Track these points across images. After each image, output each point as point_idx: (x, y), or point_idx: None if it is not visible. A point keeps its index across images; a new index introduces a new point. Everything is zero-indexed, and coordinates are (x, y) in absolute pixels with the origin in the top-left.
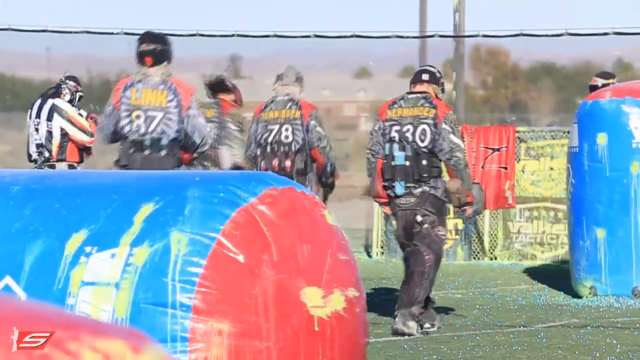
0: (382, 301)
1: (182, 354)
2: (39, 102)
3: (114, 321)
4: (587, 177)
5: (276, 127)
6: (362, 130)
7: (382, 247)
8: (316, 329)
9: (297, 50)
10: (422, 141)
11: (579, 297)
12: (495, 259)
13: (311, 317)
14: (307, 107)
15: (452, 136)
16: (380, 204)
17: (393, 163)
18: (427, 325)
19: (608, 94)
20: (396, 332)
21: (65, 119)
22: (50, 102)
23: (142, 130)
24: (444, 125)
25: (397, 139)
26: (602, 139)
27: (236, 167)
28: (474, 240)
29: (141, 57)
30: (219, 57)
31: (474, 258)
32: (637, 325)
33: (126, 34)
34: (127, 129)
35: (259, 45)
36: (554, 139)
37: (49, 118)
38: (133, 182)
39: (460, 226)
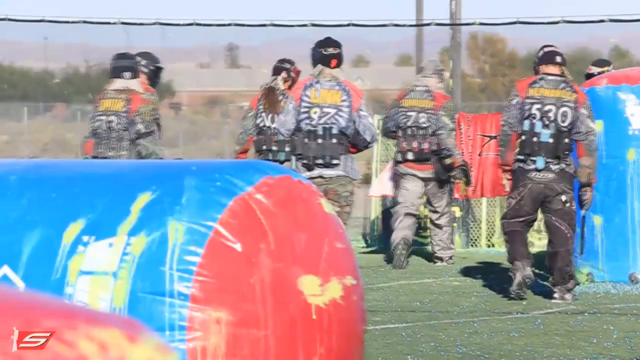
0: (379, 289)
1: (180, 342)
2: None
3: (112, 310)
4: None
5: (414, 114)
6: None
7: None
8: (314, 317)
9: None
10: (563, 122)
11: (577, 283)
12: (493, 246)
13: (309, 305)
14: (439, 99)
15: (588, 120)
16: (505, 171)
17: (535, 139)
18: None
19: (604, 81)
20: (555, 304)
21: None
22: None
23: (314, 122)
24: (582, 110)
25: (538, 116)
26: (598, 126)
27: None
28: (471, 228)
29: (326, 59)
30: (216, 46)
31: (472, 245)
32: (634, 311)
33: (123, 23)
34: (304, 122)
35: (256, 34)
36: None
37: None
38: (130, 171)
39: (458, 214)
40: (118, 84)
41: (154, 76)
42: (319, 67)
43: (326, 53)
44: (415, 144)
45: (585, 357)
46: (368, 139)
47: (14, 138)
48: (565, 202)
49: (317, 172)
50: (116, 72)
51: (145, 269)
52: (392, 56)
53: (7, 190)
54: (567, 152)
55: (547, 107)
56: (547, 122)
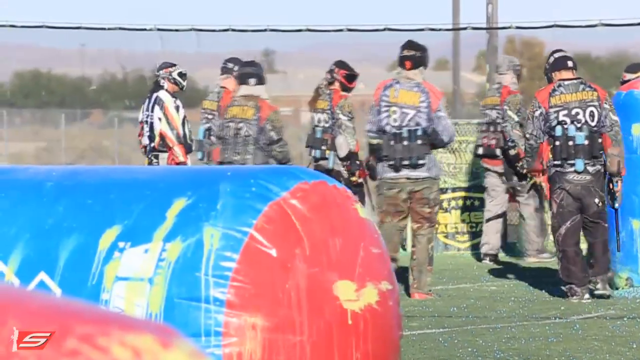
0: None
1: (216, 348)
2: (149, 95)
3: (147, 316)
4: None
5: (488, 112)
6: None
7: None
8: (349, 322)
9: (330, 44)
10: (592, 121)
11: (615, 288)
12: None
13: (344, 310)
14: (504, 94)
15: (611, 114)
16: (533, 176)
17: (571, 143)
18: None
19: None
20: (601, 296)
21: (162, 110)
22: (154, 95)
23: (398, 123)
24: (605, 105)
25: (568, 122)
26: (637, 130)
27: (351, 154)
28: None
29: (401, 61)
30: (252, 51)
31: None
32: None
33: (159, 29)
34: (384, 122)
35: (292, 39)
36: None
37: (152, 109)
38: (165, 177)
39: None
40: (244, 90)
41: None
42: (398, 69)
43: (401, 55)
44: (485, 140)
45: None
46: (446, 139)
47: (51, 145)
48: (599, 203)
49: (403, 173)
50: (243, 78)
51: (180, 275)
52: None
53: (43, 197)
54: (601, 151)
55: (574, 111)
56: (579, 125)
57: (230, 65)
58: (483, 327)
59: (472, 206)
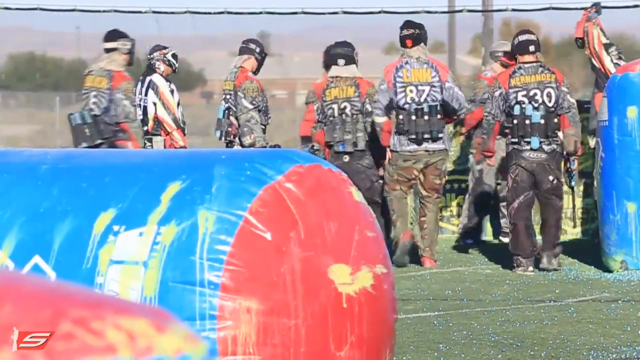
0: (411, 277)
1: (211, 331)
2: (141, 79)
3: (142, 300)
4: (617, 151)
5: (531, 91)
6: None
7: (411, 224)
8: (344, 306)
9: (326, 26)
10: (549, 102)
11: (610, 271)
12: None
13: (339, 294)
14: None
15: (568, 96)
16: (487, 157)
17: (528, 122)
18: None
19: (638, 67)
20: (543, 269)
21: (156, 94)
22: (148, 78)
23: (416, 100)
24: (563, 88)
25: (526, 102)
26: (632, 112)
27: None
28: (502, 216)
29: (402, 41)
30: (248, 34)
31: (504, 234)
32: None
33: (154, 12)
34: (402, 101)
35: (288, 22)
36: (588, 112)
37: (146, 93)
38: (159, 160)
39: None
40: (334, 71)
41: (262, 63)
42: (401, 50)
43: (401, 35)
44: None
45: (619, 345)
46: (456, 106)
47: (46, 128)
48: (553, 180)
49: (423, 146)
50: (333, 59)
51: (175, 259)
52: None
53: (38, 180)
54: (556, 131)
55: (532, 92)
56: (536, 105)
57: (252, 46)
58: (478, 310)
59: (467, 189)
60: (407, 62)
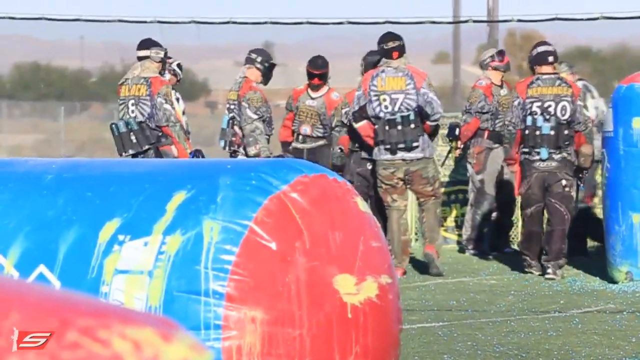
0: (416, 287)
1: (216, 341)
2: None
3: (147, 309)
4: (623, 162)
5: (545, 103)
6: None
7: (416, 234)
8: (349, 316)
9: (330, 36)
10: (563, 115)
11: (615, 282)
12: None
13: (344, 304)
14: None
15: (585, 110)
16: (509, 164)
17: (538, 132)
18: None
19: None
20: (549, 279)
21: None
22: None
23: (390, 109)
24: (578, 102)
25: (539, 113)
26: (637, 123)
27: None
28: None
29: (388, 53)
30: (253, 44)
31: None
32: None
33: (159, 22)
34: (377, 109)
35: (292, 32)
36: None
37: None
38: (165, 170)
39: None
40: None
41: (268, 72)
42: (384, 60)
43: (387, 48)
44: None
45: (624, 357)
46: (429, 111)
47: (50, 137)
48: (565, 186)
49: (399, 155)
50: (371, 66)
51: (180, 268)
52: (430, 53)
53: (43, 190)
54: (567, 143)
55: (547, 104)
56: (547, 117)
57: (253, 55)
58: (482, 321)
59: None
60: (383, 71)
